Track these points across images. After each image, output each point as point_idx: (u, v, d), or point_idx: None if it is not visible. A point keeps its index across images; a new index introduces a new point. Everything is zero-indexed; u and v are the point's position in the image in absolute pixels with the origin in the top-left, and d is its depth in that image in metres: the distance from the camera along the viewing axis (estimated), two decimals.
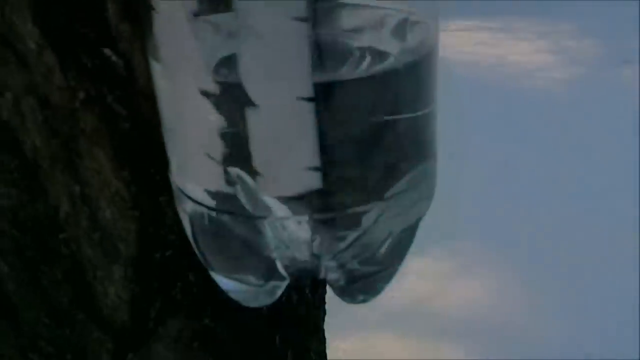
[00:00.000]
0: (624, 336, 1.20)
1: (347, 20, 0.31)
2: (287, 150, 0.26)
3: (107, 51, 0.32)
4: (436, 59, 0.31)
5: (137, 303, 0.41)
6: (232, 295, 0.33)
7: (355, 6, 0.32)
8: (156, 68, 0.29)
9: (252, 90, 0.25)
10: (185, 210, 0.30)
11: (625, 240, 1.54)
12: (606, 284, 1.36)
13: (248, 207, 0.27)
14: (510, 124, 2.20)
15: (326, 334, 0.48)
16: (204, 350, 0.43)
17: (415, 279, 1.25)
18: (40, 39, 0.31)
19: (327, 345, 0.49)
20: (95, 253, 0.39)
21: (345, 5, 0.31)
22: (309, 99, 0.25)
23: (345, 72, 0.28)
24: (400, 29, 0.31)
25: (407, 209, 0.31)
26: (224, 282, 0.32)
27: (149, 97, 0.34)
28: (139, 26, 0.32)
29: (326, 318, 0.48)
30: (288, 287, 0.33)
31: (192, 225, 0.30)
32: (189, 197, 0.29)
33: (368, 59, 0.29)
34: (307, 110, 0.25)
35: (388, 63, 0.29)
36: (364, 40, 0.31)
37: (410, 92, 0.29)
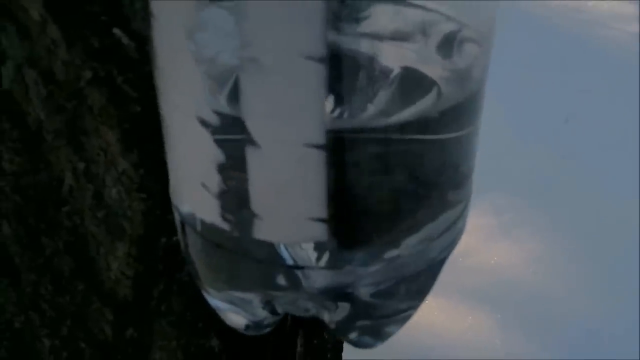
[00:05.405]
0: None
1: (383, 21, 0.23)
2: (290, 198, 0.22)
3: (117, 32, 0.28)
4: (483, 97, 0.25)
5: (139, 280, 0.39)
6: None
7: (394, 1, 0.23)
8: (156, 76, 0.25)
9: (254, 128, 0.21)
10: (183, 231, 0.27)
11: None
12: None
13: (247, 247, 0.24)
14: (576, 76, 2.06)
15: None
16: (209, 331, 0.42)
17: None
18: (43, 11, 0.28)
19: None
20: (99, 229, 0.37)
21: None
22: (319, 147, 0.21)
23: (371, 118, 0.23)
24: (448, 45, 0.24)
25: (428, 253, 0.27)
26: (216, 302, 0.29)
27: None
28: None
29: None
30: None
31: (186, 239, 0.27)
32: (184, 219, 0.26)
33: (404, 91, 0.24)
34: (316, 159, 0.21)
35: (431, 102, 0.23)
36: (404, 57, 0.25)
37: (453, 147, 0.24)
